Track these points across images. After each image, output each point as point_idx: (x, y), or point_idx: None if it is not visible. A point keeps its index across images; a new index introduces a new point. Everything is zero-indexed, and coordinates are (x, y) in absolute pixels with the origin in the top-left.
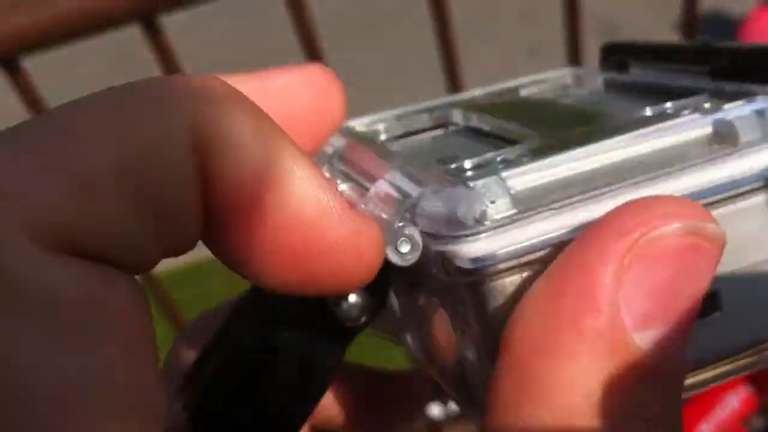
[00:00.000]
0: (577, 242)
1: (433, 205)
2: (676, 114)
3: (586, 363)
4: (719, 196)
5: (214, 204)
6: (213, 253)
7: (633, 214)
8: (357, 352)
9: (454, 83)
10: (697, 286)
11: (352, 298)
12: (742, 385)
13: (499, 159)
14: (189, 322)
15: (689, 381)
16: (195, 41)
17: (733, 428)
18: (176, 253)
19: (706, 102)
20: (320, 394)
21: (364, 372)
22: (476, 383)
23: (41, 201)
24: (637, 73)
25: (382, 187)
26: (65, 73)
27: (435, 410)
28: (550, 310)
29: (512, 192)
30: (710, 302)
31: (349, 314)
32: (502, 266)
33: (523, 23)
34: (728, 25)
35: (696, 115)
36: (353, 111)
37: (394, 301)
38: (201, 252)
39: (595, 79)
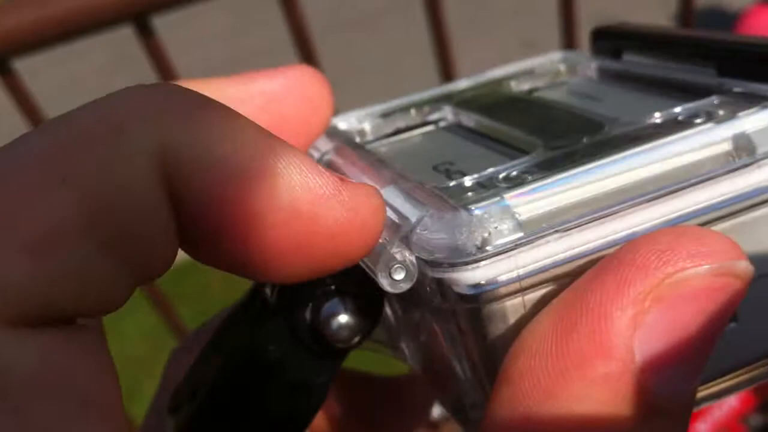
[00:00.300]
0: (591, 278)
1: (433, 232)
2: (688, 122)
3: (593, 407)
4: (736, 207)
5: (198, 221)
6: (203, 263)
7: (656, 252)
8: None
9: (448, 78)
10: (719, 324)
11: (343, 318)
12: None
13: (501, 176)
14: (189, 333)
15: (703, 393)
16: (190, 34)
17: (731, 426)
18: (151, 279)
19: (718, 108)
20: (313, 412)
21: (359, 379)
22: (471, 403)
23: None
24: (632, 62)
25: None
26: (61, 71)
27: (435, 410)
28: (558, 350)
29: (518, 218)
30: None
31: (339, 336)
32: (503, 290)
33: (518, 15)
34: (725, 20)
35: (710, 125)
36: (347, 104)
37: (388, 309)
38: None
39: (588, 65)
